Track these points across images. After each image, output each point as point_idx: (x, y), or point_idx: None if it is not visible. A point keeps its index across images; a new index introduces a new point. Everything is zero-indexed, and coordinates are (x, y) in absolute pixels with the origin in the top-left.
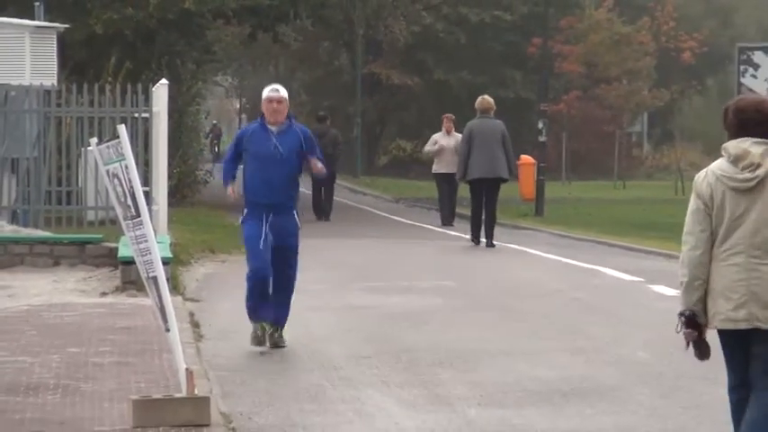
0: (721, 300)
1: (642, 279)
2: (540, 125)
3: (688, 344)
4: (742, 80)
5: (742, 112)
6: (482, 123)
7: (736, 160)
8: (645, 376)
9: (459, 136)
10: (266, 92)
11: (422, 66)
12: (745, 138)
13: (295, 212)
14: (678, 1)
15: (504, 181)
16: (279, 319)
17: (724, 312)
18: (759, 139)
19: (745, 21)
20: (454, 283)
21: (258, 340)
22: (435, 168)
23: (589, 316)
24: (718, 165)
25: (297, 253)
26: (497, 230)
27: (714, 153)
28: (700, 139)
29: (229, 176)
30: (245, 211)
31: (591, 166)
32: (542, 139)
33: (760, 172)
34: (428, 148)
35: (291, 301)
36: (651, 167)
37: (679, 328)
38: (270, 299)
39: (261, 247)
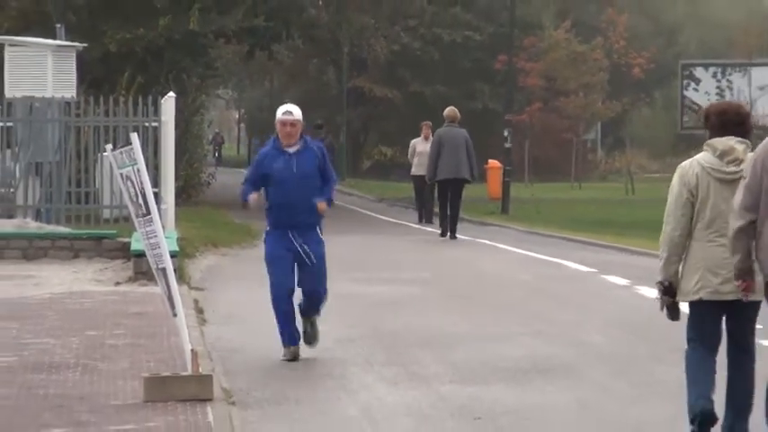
0: (709, 275)
1: (597, 270)
2: (506, 133)
3: (662, 307)
4: (685, 93)
5: (724, 114)
6: (449, 131)
7: (722, 155)
8: (600, 356)
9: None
10: (280, 114)
11: (400, 80)
12: (730, 136)
13: (318, 228)
14: (628, 22)
15: (468, 182)
16: (309, 312)
17: (713, 286)
18: (741, 138)
19: (688, 40)
20: (430, 274)
21: (290, 354)
22: (414, 171)
23: (550, 303)
24: (704, 158)
25: (324, 268)
26: (468, 225)
27: (660, 157)
28: (647, 146)
29: (248, 195)
30: (268, 229)
31: (550, 170)
32: (507, 145)
33: (742, 166)
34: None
35: (321, 313)
36: (604, 171)
37: (658, 295)
38: (295, 319)
39: (283, 269)
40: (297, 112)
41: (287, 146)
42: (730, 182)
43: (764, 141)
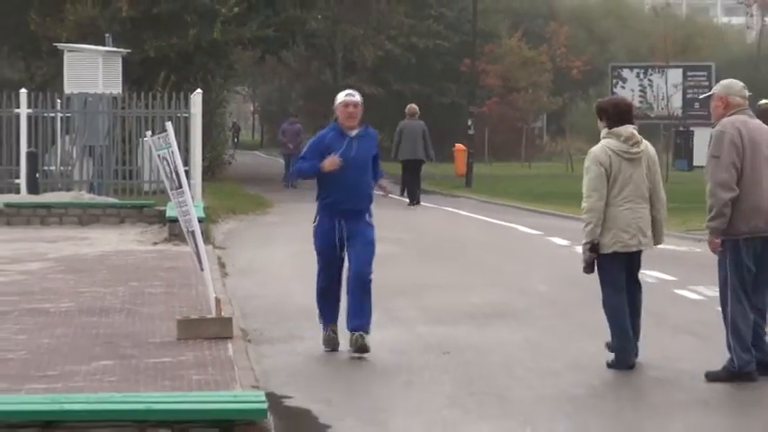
0: (621, 233)
1: (542, 233)
2: (469, 122)
3: (587, 263)
4: (614, 90)
5: (618, 106)
6: (409, 123)
7: (626, 140)
8: (544, 303)
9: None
10: (341, 96)
11: (384, 80)
12: (627, 125)
13: (368, 215)
14: (568, 33)
15: (423, 162)
16: (363, 325)
17: (624, 241)
18: (634, 125)
19: (617, 47)
20: (408, 236)
21: (330, 343)
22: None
23: (504, 259)
24: (611, 144)
25: (372, 254)
26: (438, 197)
27: (593, 141)
28: (583, 132)
29: (303, 171)
30: (318, 216)
31: (506, 152)
32: (471, 132)
33: (641, 147)
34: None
35: (373, 306)
36: (549, 152)
37: (586, 254)
38: (338, 304)
39: (331, 251)
40: (358, 95)
41: (348, 128)
42: (634, 160)
43: (731, 124)
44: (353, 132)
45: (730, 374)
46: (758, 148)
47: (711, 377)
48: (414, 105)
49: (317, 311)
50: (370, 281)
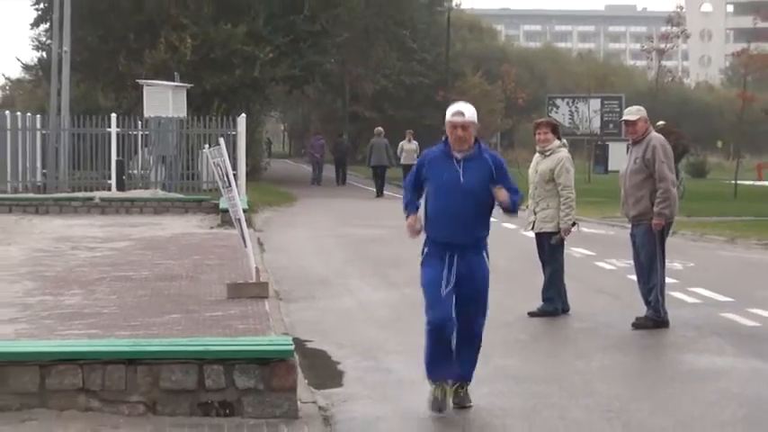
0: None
1: (497, 219)
2: (443, 138)
3: (568, 232)
4: (550, 114)
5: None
6: (377, 140)
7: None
8: (501, 272)
9: (416, 143)
10: (450, 114)
11: (381, 107)
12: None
13: (484, 253)
14: (516, 72)
15: (387, 167)
16: (464, 374)
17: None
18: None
19: (552, 83)
20: (397, 222)
21: (437, 405)
22: (402, 161)
23: None
24: (567, 151)
25: (486, 300)
26: None
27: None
28: (528, 146)
29: (413, 207)
30: (425, 249)
31: None
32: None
33: None
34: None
35: (479, 356)
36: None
37: (577, 228)
38: (452, 355)
39: (442, 294)
40: (469, 111)
41: (457, 150)
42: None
43: (662, 138)
44: (461, 155)
45: (655, 323)
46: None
47: (638, 325)
48: (380, 128)
49: (425, 361)
50: (480, 333)
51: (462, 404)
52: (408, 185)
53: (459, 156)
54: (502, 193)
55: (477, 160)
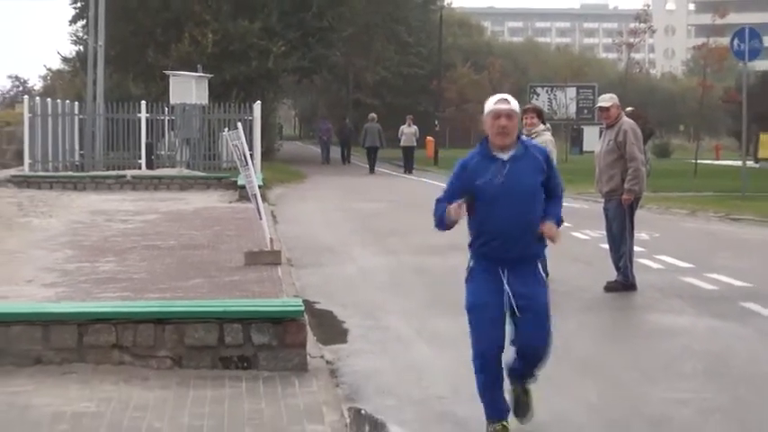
0: None
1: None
2: (436, 122)
3: None
4: (531, 101)
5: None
6: (370, 125)
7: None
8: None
9: (415, 127)
10: (491, 104)
11: (381, 95)
12: None
13: (539, 264)
14: (501, 63)
15: (378, 148)
16: (526, 373)
17: None
18: None
19: (533, 73)
20: (395, 197)
21: None
22: (402, 143)
23: None
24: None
25: (548, 319)
26: (416, 171)
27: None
28: None
29: (438, 220)
30: (471, 263)
31: (459, 141)
32: (437, 129)
33: None
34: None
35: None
36: None
37: None
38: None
39: (490, 320)
40: (513, 101)
41: (499, 149)
42: None
43: (628, 122)
44: (506, 155)
45: (624, 286)
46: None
47: (609, 288)
48: (373, 114)
49: (481, 400)
50: (545, 357)
51: (524, 411)
52: (444, 198)
53: (503, 156)
54: (548, 229)
55: (524, 158)
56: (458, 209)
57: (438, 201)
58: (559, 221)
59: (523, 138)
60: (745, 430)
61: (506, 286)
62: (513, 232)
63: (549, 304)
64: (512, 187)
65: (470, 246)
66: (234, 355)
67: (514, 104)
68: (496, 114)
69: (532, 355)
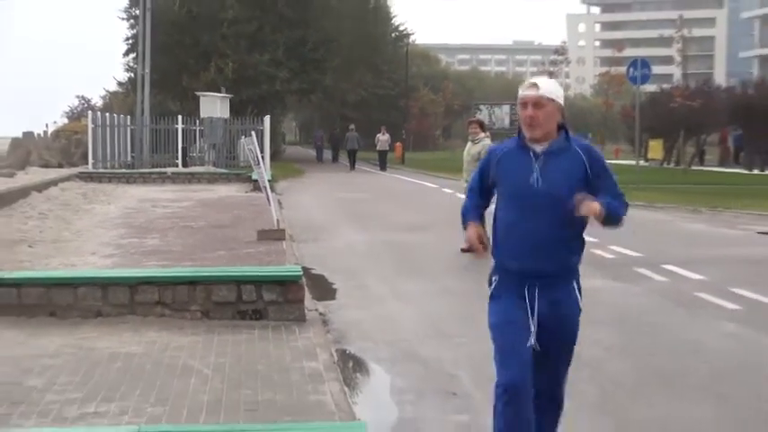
0: None
1: (438, 186)
2: (403, 131)
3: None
4: (477, 115)
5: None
6: (351, 133)
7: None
8: (441, 221)
9: (388, 135)
10: (521, 89)
11: (361, 110)
12: None
13: (575, 284)
14: (453, 86)
15: (357, 150)
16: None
17: None
18: None
19: (477, 93)
20: (373, 189)
21: None
22: (378, 148)
23: (420, 199)
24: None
25: (572, 351)
26: (389, 170)
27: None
28: (460, 137)
29: (474, 214)
30: (495, 278)
31: (421, 146)
32: (404, 137)
33: None
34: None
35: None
36: (442, 147)
37: None
38: (531, 426)
39: (515, 344)
40: (547, 85)
41: (532, 140)
42: None
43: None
44: (540, 147)
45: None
46: None
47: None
48: (352, 125)
49: None
50: (563, 391)
51: None
52: (473, 187)
53: (537, 148)
54: (586, 206)
55: (563, 154)
56: (474, 237)
57: (470, 190)
58: (617, 213)
59: (570, 133)
60: (637, 363)
61: (534, 306)
62: (543, 243)
63: (578, 328)
64: (543, 187)
65: (493, 248)
66: (249, 309)
67: (547, 88)
68: (522, 103)
69: (551, 391)
